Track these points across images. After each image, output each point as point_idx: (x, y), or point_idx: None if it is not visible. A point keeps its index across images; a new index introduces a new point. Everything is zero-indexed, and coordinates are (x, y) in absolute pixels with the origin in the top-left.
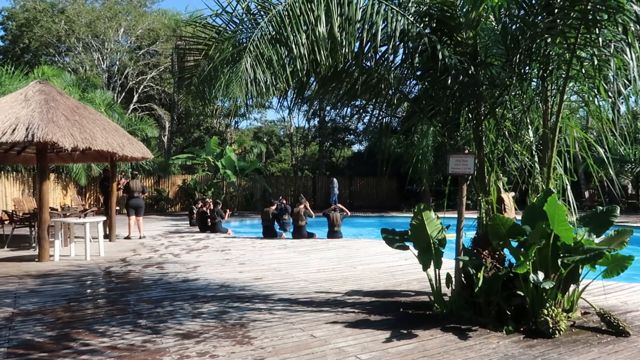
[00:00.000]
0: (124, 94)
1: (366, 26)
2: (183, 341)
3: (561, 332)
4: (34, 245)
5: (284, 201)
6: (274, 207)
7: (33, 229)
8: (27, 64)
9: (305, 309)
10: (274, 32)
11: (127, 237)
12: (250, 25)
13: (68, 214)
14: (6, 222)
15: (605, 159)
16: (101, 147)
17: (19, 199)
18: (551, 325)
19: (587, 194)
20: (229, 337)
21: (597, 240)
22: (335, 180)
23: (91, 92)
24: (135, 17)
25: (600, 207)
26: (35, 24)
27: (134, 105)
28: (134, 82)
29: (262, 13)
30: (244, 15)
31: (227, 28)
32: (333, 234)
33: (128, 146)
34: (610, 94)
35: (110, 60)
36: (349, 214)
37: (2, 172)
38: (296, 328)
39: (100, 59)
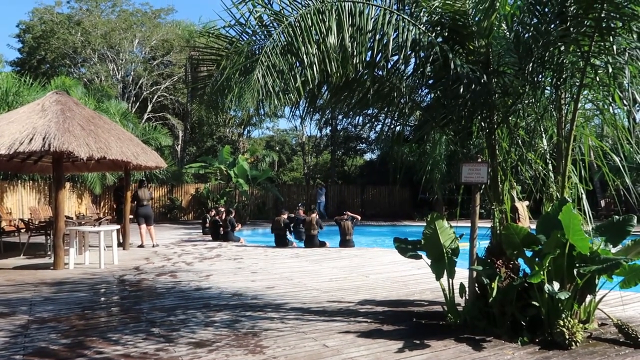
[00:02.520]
0: (138, 103)
1: (377, 36)
2: (196, 350)
3: (578, 344)
4: (49, 253)
5: (302, 211)
6: (285, 216)
7: (49, 237)
8: (44, 75)
9: (318, 318)
10: (285, 43)
11: (141, 246)
12: (262, 36)
13: (83, 222)
14: (22, 230)
15: (621, 167)
16: (116, 156)
17: (35, 208)
18: (567, 337)
19: (603, 202)
20: (242, 346)
21: (613, 250)
22: (324, 189)
23: (106, 102)
24: (150, 28)
25: (617, 217)
26: (52, 36)
27: (148, 114)
28: (148, 92)
29: (274, 24)
30: (257, 27)
31: (240, 39)
32: (345, 242)
33: (142, 155)
34: (625, 101)
35: (125, 70)
36: (359, 218)
37: (19, 181)
38: (308, 337)
39: (115, 69)
